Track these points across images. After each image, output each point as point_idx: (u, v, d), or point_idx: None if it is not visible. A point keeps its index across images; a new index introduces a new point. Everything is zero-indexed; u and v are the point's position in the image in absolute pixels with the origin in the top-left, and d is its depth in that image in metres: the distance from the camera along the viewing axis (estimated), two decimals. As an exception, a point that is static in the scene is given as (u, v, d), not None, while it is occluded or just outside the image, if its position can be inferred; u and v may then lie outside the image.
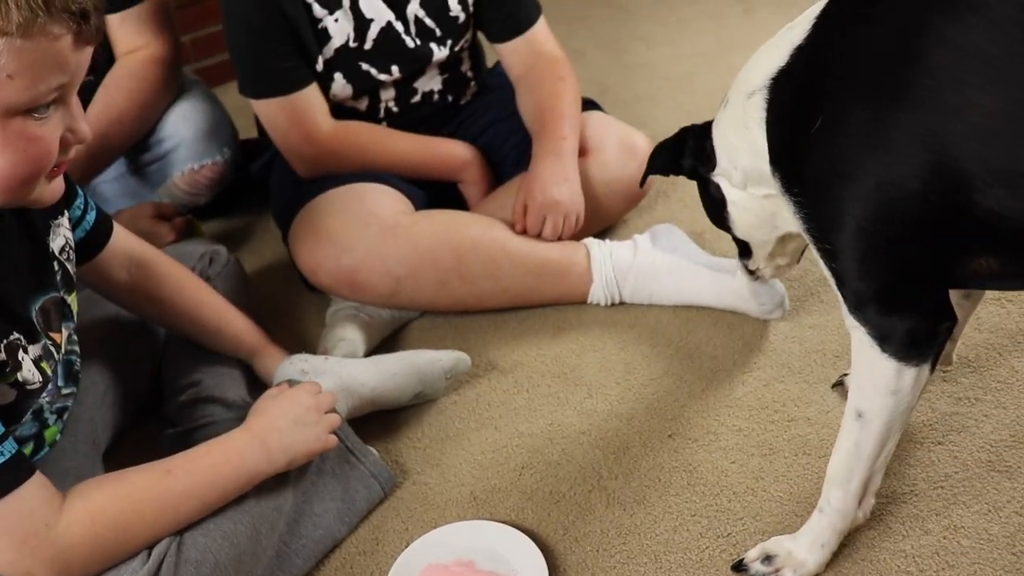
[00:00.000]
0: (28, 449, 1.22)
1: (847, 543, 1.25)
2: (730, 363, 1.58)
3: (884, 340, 1.05)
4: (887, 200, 0.98)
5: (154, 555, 1.15)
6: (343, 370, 1.49)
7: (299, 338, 1.80)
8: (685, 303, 1.71)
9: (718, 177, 1.31)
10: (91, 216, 1.37)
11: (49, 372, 1.17)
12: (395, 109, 1.88)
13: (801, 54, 1.09)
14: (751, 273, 1.49)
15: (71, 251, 1.28)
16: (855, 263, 1.04)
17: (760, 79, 1.13)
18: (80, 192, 1.35)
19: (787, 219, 1.16)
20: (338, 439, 1.36)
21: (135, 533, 1.15)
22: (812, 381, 1.52)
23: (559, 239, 1.73)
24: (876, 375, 1.07)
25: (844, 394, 1.48)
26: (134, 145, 1.98)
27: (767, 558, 1.22)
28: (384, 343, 1.74)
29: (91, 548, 1.11)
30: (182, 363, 1.55)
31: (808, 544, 1.21)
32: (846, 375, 1.49)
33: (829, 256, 1.06)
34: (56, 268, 1.23)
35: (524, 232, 1.72)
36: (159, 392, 1.58)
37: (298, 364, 1.49)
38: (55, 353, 1.20)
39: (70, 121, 1.04)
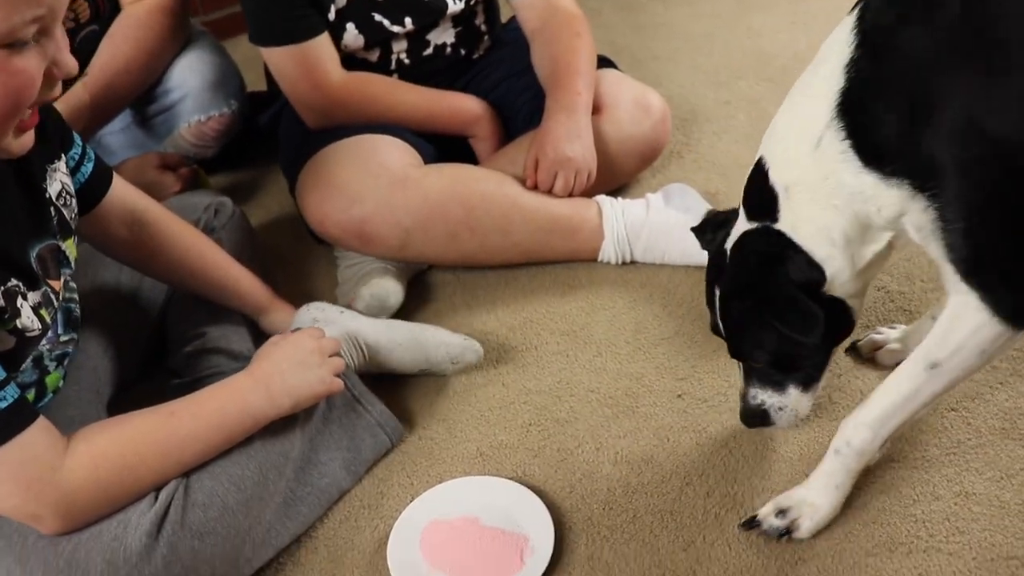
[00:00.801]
0: (30, 396, 1.21)
1: (858, 507, 1.24)
2: (742, 324, 1.56)
3: (996, 306, 1.06)
4: (1019, 165, 0.99)
5: (161, 498, 1.15)
6: (352, 324, 1.48)
7: (306, 291, 1.78)
8: (697, 263, 1.68)
9: (830, 287, 1.17)
10: (89, 166, 1.34)
11: (48, 319, 1.16)
12: (407, 61, 1.85)
13: (860, 67, 1.06)
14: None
15: (69, 196, 1.25)
16: (981, 231, 1.04)
17: (820, 119, 1.09)
18: (78, 140, 1.32)
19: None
20: (344, 386, 1.35)
21: (139, 475, 1.14)
22: (824, 344, 1.50)
23: (570, 195, 1.70)
24: (975, 336, 1.08)
25: (857, 358, 1.46)
26: (140, 96, 1.95)
27: (780, 511, 1.22)
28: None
29: (96, 491, 1.11)
30: (187, 315, 1.54)
31: (822, 487, 1.22)
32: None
33: (953, 235, 1.05)
34: (53, 214, 1.21)
35: (535, 187, 1.69)
36: (164, 345, 1.56)
37: (313, 312, 1.48)
38: (54, 300, 1.18)
39: (55, 53, 1.00)
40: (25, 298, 1.12)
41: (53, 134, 1.24)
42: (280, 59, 1.74)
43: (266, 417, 1.25)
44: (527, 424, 1.44)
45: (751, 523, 1.23)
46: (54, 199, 1.21)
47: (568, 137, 1.68)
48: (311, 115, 1.78)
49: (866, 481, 1.27)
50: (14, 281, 1.10)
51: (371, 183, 1.62)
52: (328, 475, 1.33)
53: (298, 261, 1.87)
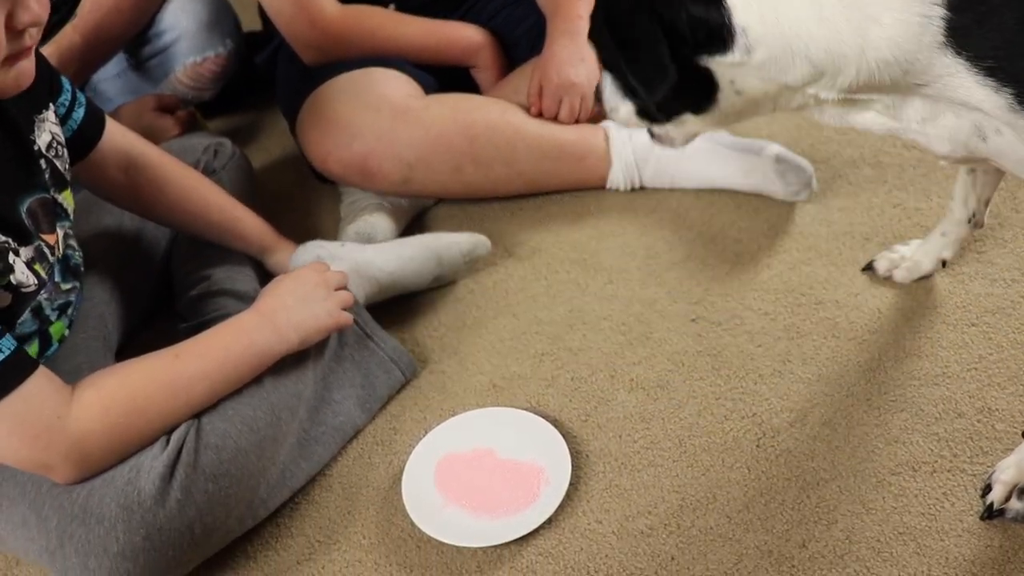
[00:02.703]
0: (34, 347, 1.19)
1: (880, 425, 1.22)
2: (755, 246, 1.52)
3: None
4: None
5: (173, 440, 1.13)
6: (359, 255, 1.45)
7: (310, 231, 1.76)
8: (708, 186, 1.65)
9: (715, 63, 1.01)
10: (80, 111, 1.30)
11: (43, 274, 1.14)
12: (404, -9, 1.81)
13: None
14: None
15: (60, 147, 1.22)
16: None
17: None
18: (67, 85, 1.28)
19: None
20: (355, 322, 1.34)
21: (149, 418, 1.13)
22: (840, 264, 1.47)
23: (576, 122, 1.67)
24: None
25: (874, 277, 1.43)
26: (133, 39, 1.91)
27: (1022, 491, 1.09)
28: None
29: (106, 435, 1.10)
30: (192, 258, 1.52)
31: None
32: (875, 259, 1.44)
33: None
34: (44, 166, 1.18)
35: (540, 115, 1.66)
36: (171, 289, 1.54)
37: (313, 250, 1.45)
38: (48, 254, 1.16)
39: (12, 4, 0.96)
40: (17, 254, 1.09)
41: (40, 83, 1.19)
42: (274, -4, 1.70)
43: (273, 353, 1.23)
44: (540, 354, 1.42)
45: (991, 513, 1.10)
46: (44, 151, 1.18)
47: (572, 61, 1.64)
48: (308, 52, 1.73)
49: (886, 399, 1.25)
50: (3, 237, 1.07)
51: (372, 117, 1.58)
52: (342, 413, 1.31)
53: (302, 201, 1.84)
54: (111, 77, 1.99)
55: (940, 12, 0.88)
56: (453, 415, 1.34)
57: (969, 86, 0.90)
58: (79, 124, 1.30)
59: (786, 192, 1.57)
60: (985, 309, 1.35)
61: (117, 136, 1.37)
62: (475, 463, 1.27)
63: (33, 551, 1.12)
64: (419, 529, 1.20)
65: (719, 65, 1.02)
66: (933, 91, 0.94)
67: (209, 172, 1.61)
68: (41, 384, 1.06)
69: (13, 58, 1.00)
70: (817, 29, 0.94)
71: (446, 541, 1.18)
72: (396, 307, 1.53)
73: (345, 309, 1.32)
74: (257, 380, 1.23)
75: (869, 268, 1.44)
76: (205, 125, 1.94)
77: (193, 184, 1.45)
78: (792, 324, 1.38)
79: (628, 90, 1.14)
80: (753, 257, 1.51)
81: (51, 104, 1.22)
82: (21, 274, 1.09)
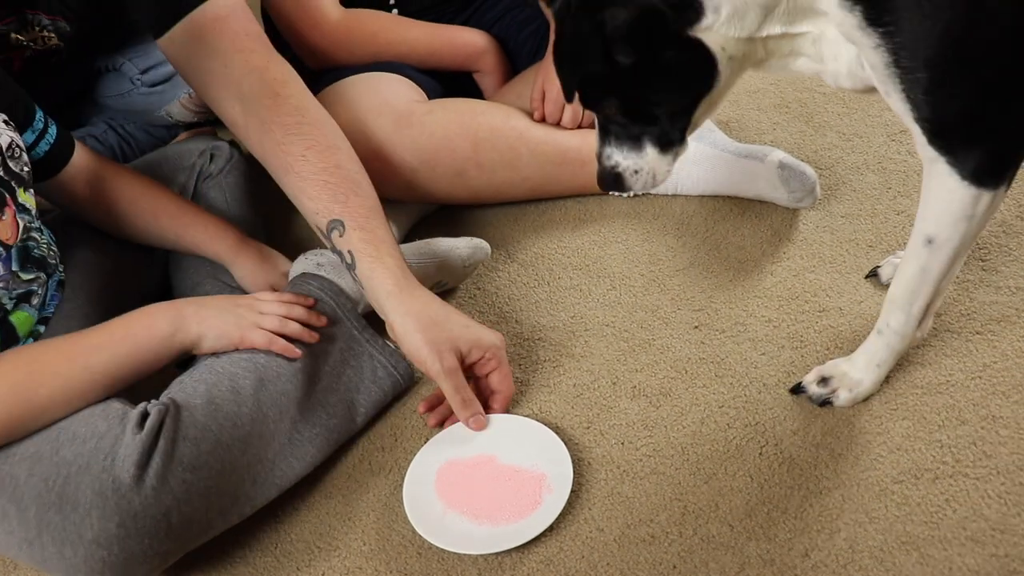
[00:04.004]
0: None
1: (882, 433, 1.21)
2: (758, 253, 1.52)
3: (964, 167, 1.05)
4: (985, 7, 0.95)
5: (148, 426, 1.13)
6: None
7: (311, 238, 1.75)
8: (712, 192, 1.64)
9: (705, 31, 1.10)
10: (52, 130, 1.35)
11: None
12: (406, -5, 1.80)
13: None
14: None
15: (18, 149, 1.25)
16: (941, 85, 1.00)
17: None
18: (38, 111, 1.34)
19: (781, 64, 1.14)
20: (352, 327, 1.34)
21: (45, 379, 1.15)
22: (844, 271, 1.46)
23: (579, 127, 1.66)
24: (952, 202, 1.07)
25: (877, 284, 1.42)
26: (142, 66, 1.91)
27: (823, 380, 1.26)
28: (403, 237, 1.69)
29: (6, 403, 1.12)
30: (184, 267, 1.53)
31: (864, 364, 1.24)
32: (879, 266, 1.43)
33: (910, 84, 1.01)
34: None
35: (543, 120, 1.65)
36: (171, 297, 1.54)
37: (313, 258, 1.44)
38: None
39: None
40: None
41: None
42: (278, 1, 1.70)
43: (173, 339, 1.24)
44: (542, 360, 1.42)
45: (797, 388, 1.28)
46: (3, 149, 1.21)
47: (575, 67, 1.63)
48: (311, 56, 1.73)
49: (888, 408, 1.24)
50: None
51: (375, 122, 1.58)
52: (337, 416, 1.30)
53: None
54: (115, 95, 1.98)
55: None
56: (455, 422, 1.33)
57: (836, 10, 1.02)
58: (52, 144, 1.35)
59: (789, 199, 1.57)
60: (990, 317, 1.34)
61: (85, 156, 1.42)
62: (477, 470, 1.27)
63: (13, 544, 1.12)
64: (420, 536, 1.19)
65: (706, 34, 1.10)
66: (831, 19, 1.05)
67: (204, 177, 1.61)
68: None
69: None
70: None
71: (447, 548, 1.18)
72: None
73: (342, 315, 1.33)
74: (245, 378, 1.22)
75: (873, 275, 1.44)
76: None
77: (144, 193, 1.46)
78: (795, 332, 1.38)
79: (636, 137, 1.21)
80: (756, 264, 1.50)
81: (2, 113, 1.24)
82: None
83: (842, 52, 1.09)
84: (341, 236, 1.32)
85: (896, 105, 1.05)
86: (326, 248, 1.48)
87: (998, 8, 0.96)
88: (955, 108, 1.02)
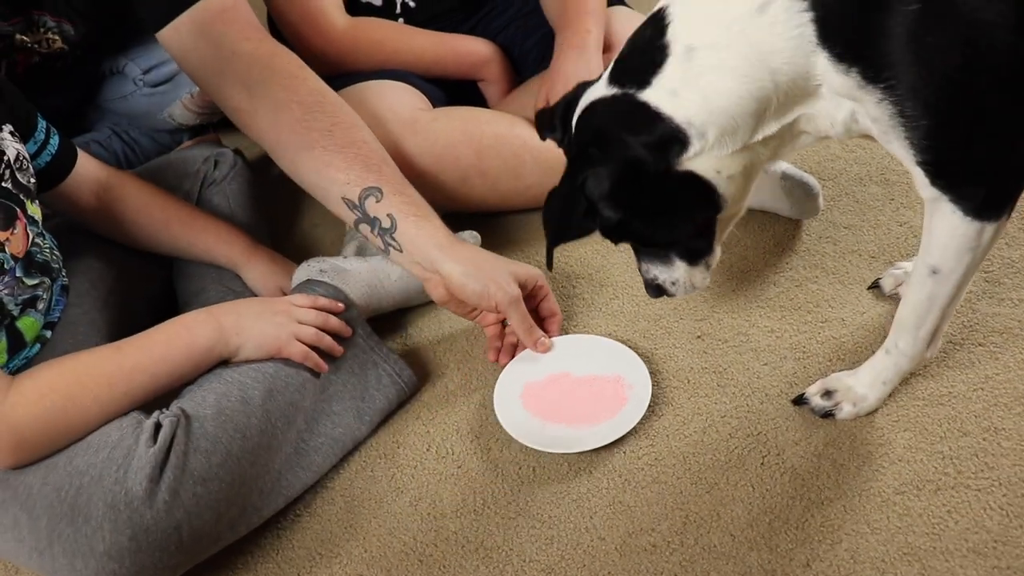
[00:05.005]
0: (1, 344, 1.22)
1: (884, 444, 1.21)
2: (761, 263, 1.52)
3: (966, 204, 1.06)
4: (980, 53, 0.96)
5: (160, 439, 1.14)
6: (365, 266, 1.45)
7: (315, 244, 1.77)
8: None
9: (695, 159, 1.09)
10: (55, 139, 1.37)
11: None
12: (412, 4, 1.81)
13: None
14: (659, 290, 1.28)
15: (25, 161, 1.27)
16: (944, 129, 1.01)
17: None
18: (40, 121, 1.35)
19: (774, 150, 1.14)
20: (356, 335, 1.35)
21: (85, 406, 1.14)
22: (847, 282, 1.46)
23: (584, 137, 1.66)
24: (956, 237, 1.08)
25: (880, 295, 1.42)
26: (145, 66, 1.92)
27: (827, 392, 1.26)
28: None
29: (42, 422, 1.12)
30: (188, 273, 1.53)
31: (869, 381, 1.24)
32: (881, 278, 1.43)
33: (913, 131, 1.02)
34: (6, 175, 1.21)
35: (547, 129, 1.65)
36: (176, 304, 1.54)
37: (316, 265, 1.44)
38: None
39: None
40: None
41: (7, 105, 1.28)
42: (284, 8, 1.70)
43: (212, 352, 1.24)
44: (544, 369, 1.42)
45: (800, 400, 1.28)
46: (11, 162, 1.22)
47: (579, 75, 1.61)
48: (316, 64, 1.71)
49: (890, 419, 1.24)
50: None
51: (380, 129, 1.58)
52: (341, 425, 1.31)
53: (307, 214, 1.84)
54: (119, 98, 1.99)
55: (809, 17, 1.00)
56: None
57: (832, 76, 1.02)
58: (54, 154, 1.36)
59: (793, 209, 1.57)
60: (992, 329, 1.34)
61: (89, 165, 1.43)
62: (556, 387, 1.35)
63: (23, 553, 1.12)
64: (548, 452, 1.28)
65: (695, 162, 1.10)
66: (824, 89, 1.05)
67: (208, 183, 1.62)
68: None
69: None
70: (737, 85, 1.05)
71: (565, 451, 1.27)
72: (401, 320, 1.53)
73: (347, 322, 1.33)
74: (255, 388, 1.23)
75: (875, 286, 1.44)
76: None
77: (152, 201, 1.47)
78: (798, 343, 1.38)
79: (664, 256, 1.24)
80: (759, 274, 1.51)
81: (8, 124, 1.26)
82: None
83: (838, 115, 1.08)
84: (378, 202, 1.34)
85: (897, 151, 1.05)
86: (326, 256, 1.49)
87: (995, 52, 0.96)
88: (957, 150, 1.03)
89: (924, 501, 1.14)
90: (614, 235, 1.20)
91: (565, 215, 1.16)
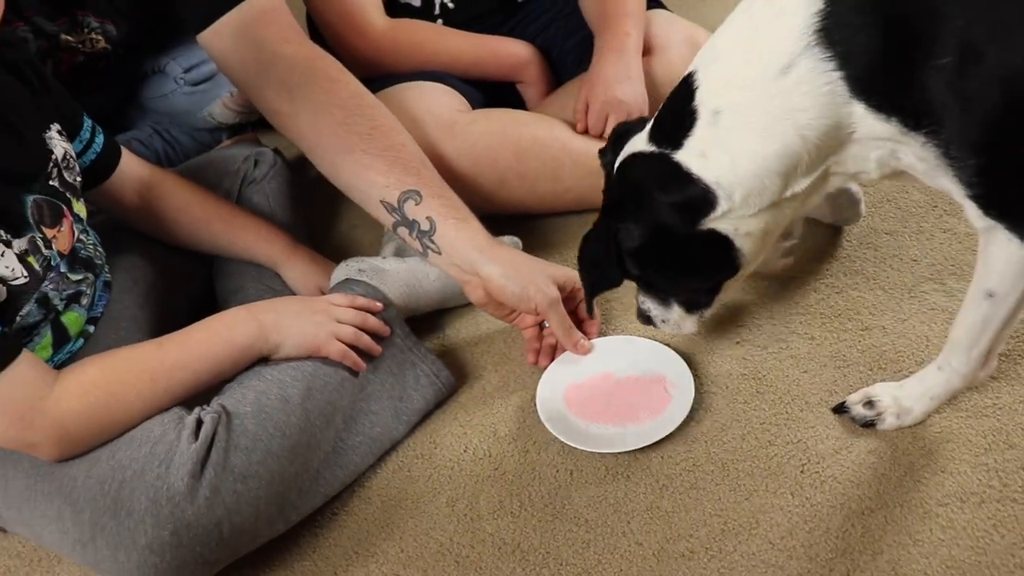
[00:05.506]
0: (47, 337, 1.23)
1: (927, 455, 1.20)
2: (801, 269, 1.51)
3: (1022, 230, 1.04)
4: (1019, 95, 0.95)
5: (202, 435, 1.15)
6: (403, 267, 1.45)
7: (354, 243, 1.77)
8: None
9: (720, 220, 1.14)
10: (100, 138, 1.38)
11: (37, 267, 1.18)
12: (451, 5, 1.81)
13: None
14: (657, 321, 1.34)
15: (72, 159, 1.28)
16: (992, 166, 1.01)
17: (789, 43, 1.02)
18: (87, 120, 1.37)
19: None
20: (395, 335, 1.36)
21: (128, 401, 1.16)
22: (888, 288, 1.45)
23: (623, 140, 1.65)
24: (1013, 263, 1.07)
25: (924, 302, 1.40)
26: (186, 64, 1.93)
27: (869, 402, 1.25)
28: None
29: (86, 417, 1.13)
30: (227, 271, 1.54)
31: (917, 394, 1.24)
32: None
33: (961, 170, 1.02)
34: (54, 172, 1.23)
35: (586, 131, 1.65)
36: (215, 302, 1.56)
37: (355, 264, 1.45)
38: (43, 247, 1.19)
39: None
40: (9, 245, 1.14)
41: (54, 103, 1.29)
42: (323, 10, 1.71)
43: (252, 350, 1.25)
44: (582, 372, 1.42)
45: (840, 408, 1.27)
46: (59, 161, 1.24)
47: (618, 79, 1.63)
48: (356, 65, 1.73)
49: (933, 430, 1.23)
50: None
51: (418, 130, 1.58)
52: (379, 424, 1.31)
53: (346, 214, 1.85)
54: (159, 97, 2.01)
55: (839, 74, 1.01)
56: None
57: (871, 123, 1.04)
58: (99, 152, 1.38)
59: (834, 215, 1.56)
60: (1038, 340, 1.32)
61: (133, 164, 1.45)
62: (598, 388, 1.36)
63: (67, 544, 1.14)
64: (594, 454, 1.28)
65: (719, 222, 1.14)
66: (858, 135, 1.06)
67: (248, 182, 1.64)
68: (25, 368, 1.10)
69: None
70: (763, 146, 1.08)
71: (608, 451, 1.27)
72: (438, 321, 1.53)
73: (386, 322, 1.34)
74: (294, 386, 1.23)
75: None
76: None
77: (194, 200, 1.49)
78: (838, 351, 1.36)
79: (665, 298, 1.30)
80: (799, 280, 1.49)
81: (55, 125, 1.27)
82: (5, 268, 1.12)
83: (870, 155, 1.09)
84: (418, 204, 1.35)
85: (946, 187, 1.06)
86: (365, 256, 1.50)
87: None
88: (1008, 183, 1.03)
89: (968, 514, 1.13)
90: (627, 276, 1.27)
91: (598, 264, 1.25)
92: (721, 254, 1.18)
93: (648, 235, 1.17)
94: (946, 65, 0.96)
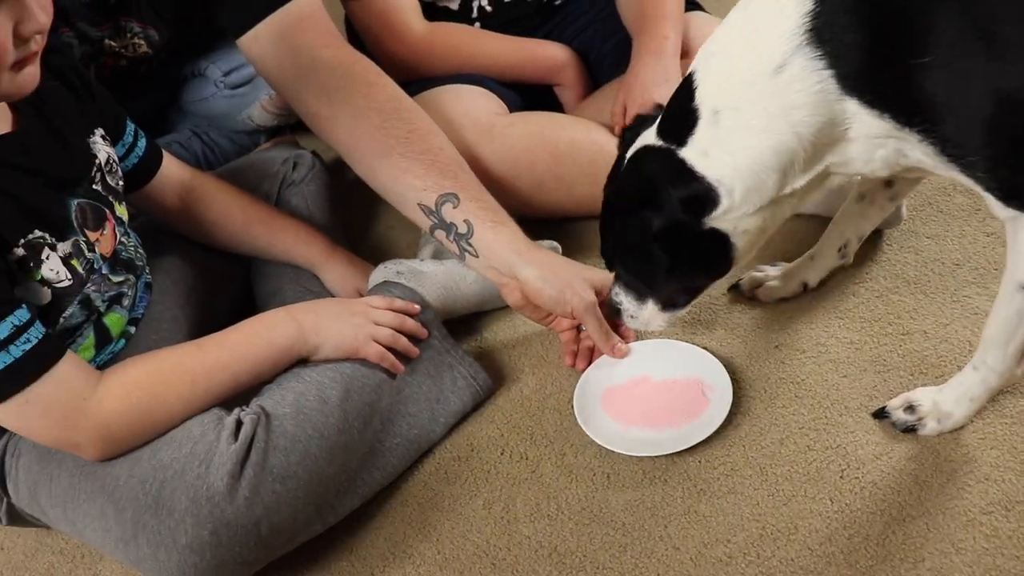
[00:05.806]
0: (90, 338, 1.24)
1: (970, 461, 1.18)
2: (841, 273, 1.49)
3: None
4: (1006, 93, 0.96)
5: (242, 436, 1.16)
6: (441, 269, 1.46)
7: (392, 246, 1.78)
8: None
9: (721, 218, 1.14)
10: (142, 142, 1.40)
11: (80, 269, 1.19)
12: (489, 9, 1.81)
13: None
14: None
15: (115, 164, 1.30)
16: (997, 162, 1.00)
17: (780, 43, 1.03)
18: (129, 124, 1.38)
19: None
20: (432, 337, 1.36)
21: (169, 403, 1.17)
22: (929, 292, 1.43)
23: (660, 143, 1.65)
24: None
25: (966, 305, 1.39)
26: (225, 68, 1.95)
27: (910, 407, 1.23)
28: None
29: (129, 417, 1.14)
30: (265, 273, 1.55)
31: (956, 397, 1.22)
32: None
33: (970, 166, 1.02)
34: (97, 176, 1.25)
35: (624, 134, 1.64)
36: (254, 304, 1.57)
37: (392, 267, 1.46)
38: (86, 250, 1.21)
39: (20, 13, 1.00)
40: (54, 248, 1.15)
41: (98, 108, 1.31)
42: (362, 13, 1.72)
43: (291, 351, 1.26)
44: (619, 376, 1.41)
45: (881, 413, 1.25)
46: (102, 165, 1.26)
47: (656, 81, 1.62)
48: (394, 68, 1.74)
49: (976, 436, 1.21)
50: (39, 233, 1.13)
51: (456, 133, 1.59)
52: (417, 426, 1.32)
53: (384, 216, 1.86)
54: (199, 100, 2.03)
55: (829, 72, 1.02)
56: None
57: (867, 119, 1.04)
58: (141, 156, 1.39)
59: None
60: (1083, 345, 1.30)
61: (174, 167, 1.46)
62: (636, 391, 1.35)
63: (109, 542, 1.16)
64: (631, 456, 1.28)
65: (720, 220, 1.15)
66: (854, 132, 1.07)
67: (287, 184, 1.65)
68: (70, 369, 1.12)
69: (20, 63, 1.05)
70: (760, 141, 1.09)
71: (645, 455, 1.27)
72: (476, 323, 1.54)
73: (423, 324, 1.35)
74: (332, 388, 1.24)
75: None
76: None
77: (234, 202, 1.50)
78: (878, 356, 1.35)
79: (643, 293, 1.28)
80: (839, 284, 1.48)
81: (99, 130, 1.29)
82: (50, 270, 1.14)
83: (875, 154, 1.09)
84: (455, 208, 1.36)
85: (959, 180, 1.05)
86: (403, 258, 1.50)
87: (1019, 83, 0.96)
88: (1019, 175, 1.02)
89: (1013, 523, 1.11)
90: (611, 263, 1.29)
91: (622, 231, 1.23)
92: (718, 251, 1.18)
93: (650, 231, 1.16)
94: (932, 63, 0.96)
